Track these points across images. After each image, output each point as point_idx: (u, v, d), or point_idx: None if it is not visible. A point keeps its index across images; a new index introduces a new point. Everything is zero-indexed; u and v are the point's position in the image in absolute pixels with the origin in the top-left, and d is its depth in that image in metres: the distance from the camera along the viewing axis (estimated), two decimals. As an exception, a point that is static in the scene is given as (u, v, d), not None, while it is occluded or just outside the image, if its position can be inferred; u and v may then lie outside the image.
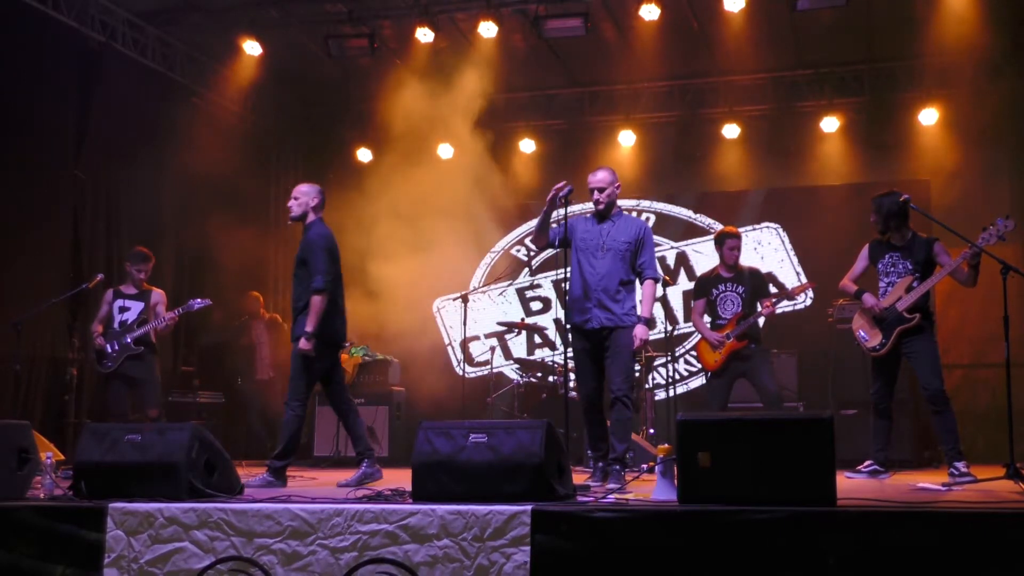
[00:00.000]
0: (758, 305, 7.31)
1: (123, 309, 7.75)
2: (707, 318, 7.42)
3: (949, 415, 5.98)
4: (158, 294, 7.86)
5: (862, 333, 6.35)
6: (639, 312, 5.77)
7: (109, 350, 7.59)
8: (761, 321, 7.32)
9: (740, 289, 7.32)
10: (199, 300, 7.81)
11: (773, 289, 7.78)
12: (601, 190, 5.88)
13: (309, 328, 6.07)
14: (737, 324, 7.19)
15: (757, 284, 7.39)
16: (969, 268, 5.92)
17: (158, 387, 7.85)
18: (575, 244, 5.89)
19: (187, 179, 9.64)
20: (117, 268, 9.08)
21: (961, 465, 5.77)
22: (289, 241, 12.10)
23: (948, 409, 5.99)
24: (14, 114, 8.04)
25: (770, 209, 10.64)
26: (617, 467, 5.65)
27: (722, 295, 7.37)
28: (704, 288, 7.47)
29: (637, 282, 5.90)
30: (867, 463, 6.22)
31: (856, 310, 7.99)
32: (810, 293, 10.34)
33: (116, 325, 7.66)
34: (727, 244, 7.43)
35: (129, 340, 7.58)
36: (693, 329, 10.42)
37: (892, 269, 6.28)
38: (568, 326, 5.87)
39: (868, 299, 6.30)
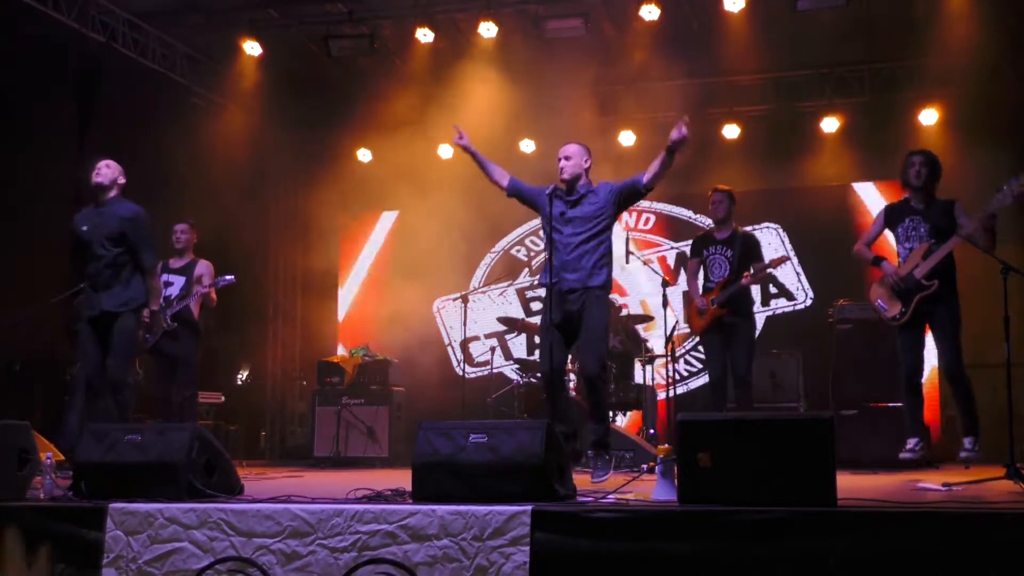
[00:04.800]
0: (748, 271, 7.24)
1: (167, 284, 7.59)
2: (700, 280, 7.36)
3: (963, 393, 5.83)
4: (202, 266, 7.67)
5: (881, 303, 6.14)
6: None
7: (151, 324, 7.41)
8: (755, 288, 7.20)
9: (729, 253, 7.22)
10: (225, 277, 7.63)
11: (767, 257, 7.68)
12: (567, 158, 5.97)
13: None
14: (722, 290, 7.13)
15: (748, 249, 7.26)
16: (985, 232, 5.73)
17: (192, 367, 7.62)
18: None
19: (187, 179, 9.64)
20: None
21: (967, 441, 5.70)
22: (290, 241, 12.12)
23: (963, 386, 5.84)
24: (14, 114, 8.05)
25: (770, 209, 10.64)
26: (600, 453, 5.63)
27: (712, 257, 7.28)
28: (697, 248, 7.41)
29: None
30: (913, 442, 6.02)
31: (856, 309, 7.93)
32: (811, 293, 10.37)
33: (161, 300, 7.54)
34: (710, 199, 7.37)
35: (168, 316, 7.37)
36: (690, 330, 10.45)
37: (913, 233, 6.06)
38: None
39: (887, 266, 6.11)
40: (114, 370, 6.07)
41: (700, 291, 7.29)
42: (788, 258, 7.81)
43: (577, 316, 5.71)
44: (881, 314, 6.19)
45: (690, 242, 8.25)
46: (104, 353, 6.12)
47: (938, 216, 6.00)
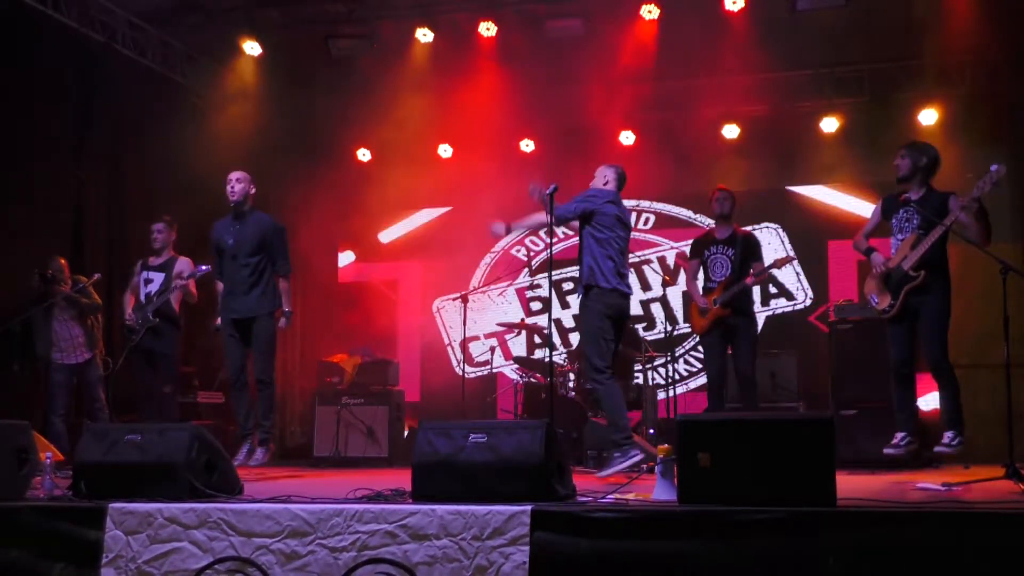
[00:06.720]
0: (751, 271, 7.25)
1: (147, 281, 7.75)
2: (701, 280, 7.39)
3: (947, 387, 5.80)
4: (182, 263, 7.77)
5: (873, 296, 6.13)
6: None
7: (134, 323, 7.58)
8: (755, 288, 7.26)
9: (731, 252, 7.24)
10: (201, 268, 7.56)
11: (767, 257, 7.72)
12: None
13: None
14: (724, 290, 7.14)
15: (749, 249, 7.30)
16: (976, 221, 5.71)
17: (172, 362, 7.77)
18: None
19: (187, 180, 9.64)
20: (119, 267, 9.08)
21: (947, 435, 5.66)
22: (290, 241, 12.08)
23: (947, 381, 5.80)
24: (14, 115, 8.04)
25: (770, 209, 10.64)
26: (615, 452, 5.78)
27: (713, 257, 7.30)
28: (698, 249, 7.45)
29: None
30: (900, 436, 5.99)
31: (856, 309, 7.93)
32: (810, 293, 10.36)
33: (142, 297, 7.66)
34: (715, 197, 7.42)
35: (149, 312, 7.53)
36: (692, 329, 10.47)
37: (906, 225, 6.02)
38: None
39: (876, 258, 6.10)
40: (260, 366, 6.74)
41: (700, 291, 7.31)
42: (793, 258, 7.81)
43: None
44: (873, 307, 6.17)
45: (690, 242, 8.26)
46: (246, 352, 6.80)
47: (932, 208, 5.93)
